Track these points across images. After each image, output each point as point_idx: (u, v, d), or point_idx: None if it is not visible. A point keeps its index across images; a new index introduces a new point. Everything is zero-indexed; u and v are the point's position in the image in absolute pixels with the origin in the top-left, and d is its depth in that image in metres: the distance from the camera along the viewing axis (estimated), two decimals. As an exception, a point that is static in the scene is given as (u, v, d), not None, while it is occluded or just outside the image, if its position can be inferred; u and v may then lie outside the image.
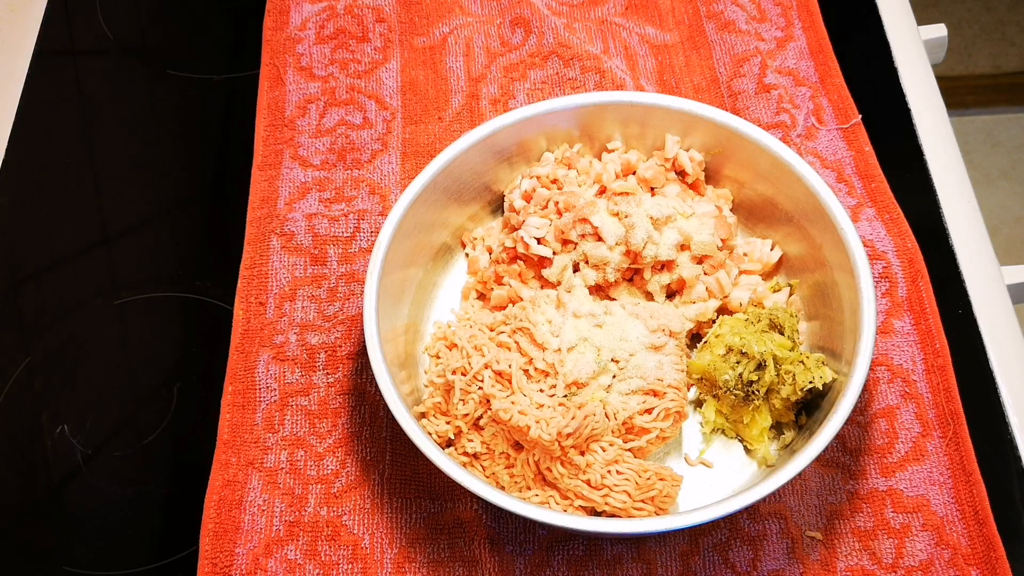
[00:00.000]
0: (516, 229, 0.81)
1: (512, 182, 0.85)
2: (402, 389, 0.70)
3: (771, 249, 0.82)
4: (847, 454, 0.75)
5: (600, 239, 0.78)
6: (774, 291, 0.80)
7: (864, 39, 0.97)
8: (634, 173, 0.83)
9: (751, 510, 0.73)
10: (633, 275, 0.80)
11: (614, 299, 0.79)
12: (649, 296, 0.80)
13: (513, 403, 0.69)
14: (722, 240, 0.80)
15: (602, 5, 1.00)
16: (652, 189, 0.83)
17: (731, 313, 0.79)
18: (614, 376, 0.72)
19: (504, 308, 0.79)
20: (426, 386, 0.77)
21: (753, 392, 0.73)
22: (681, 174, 0.83)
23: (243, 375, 0.78)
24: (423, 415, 0.74)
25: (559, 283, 0.79)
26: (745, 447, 0.75)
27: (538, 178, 0.83)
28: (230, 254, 0.85)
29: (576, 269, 0.79)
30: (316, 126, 0.92)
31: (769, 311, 0.76)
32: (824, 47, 0.94)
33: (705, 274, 0.80)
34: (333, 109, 0.93)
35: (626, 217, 0.78)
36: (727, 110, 0.90)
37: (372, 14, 0.99)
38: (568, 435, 0.68)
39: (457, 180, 0.81)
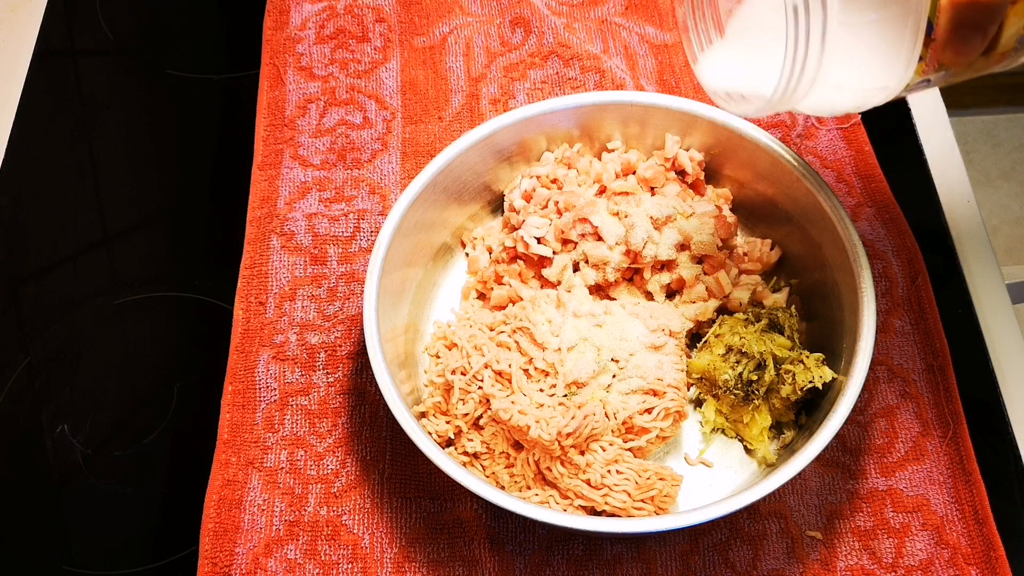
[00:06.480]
0: (516, 229, 0.81)
1: (512, 182, 0.85)
2: (402, 389, 0.70)
3: (771, 249, 0.82)
4: (847, 454, 0.75)
5: (600, 239, 0.78)
6: (774, 291, 0.80)
7: (864, 39, 0.97)
8: (634, 173, 0.83)
9: (751, 510, 0.73)
10: (633, 275, 0.80)
11: (614, 299, 0.79)
12: (649, 296, 0.80)
13: (513, 403, 0.69)
14: (722, 240, 0.80)
15: (602, 5, 1.00)
16: (652, 189, 0.83)
17: (731, 313, 0.79)
18: (614, 376, 0.72)
19: (504, 308, 0.79)
20: (426, 386, 0.77)
21: (753, 392, 0.73)
22: (681, 174, 0.83)
23: (243, 375, 0.78)
24: (423, 415, 0.74)
25: (559, 283, 0.79)
26: (745, 447, 0.75)
27: (538, 178, 0.83)
28: (230, 254, 0.85)
29: (576, 269, 0.79)
30: (316, 126, 0.92)
31: (769, 311, 0.76)
32: (824, 47, 0.94)
33: (705, 274, 0.80)
34: (333, 109, 0.93)
35: (626, 217, 0.78)
36: (727, 110, 0.90)
37: (372, 14, 0.99)
38: (568, 435, 0.68)
39: (457, 180, 0.81)
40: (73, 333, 0.83)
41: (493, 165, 0.83)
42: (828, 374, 0.71)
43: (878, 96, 0.59)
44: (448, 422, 0.72)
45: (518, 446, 0.71)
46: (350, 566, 0.71)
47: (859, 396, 0.67)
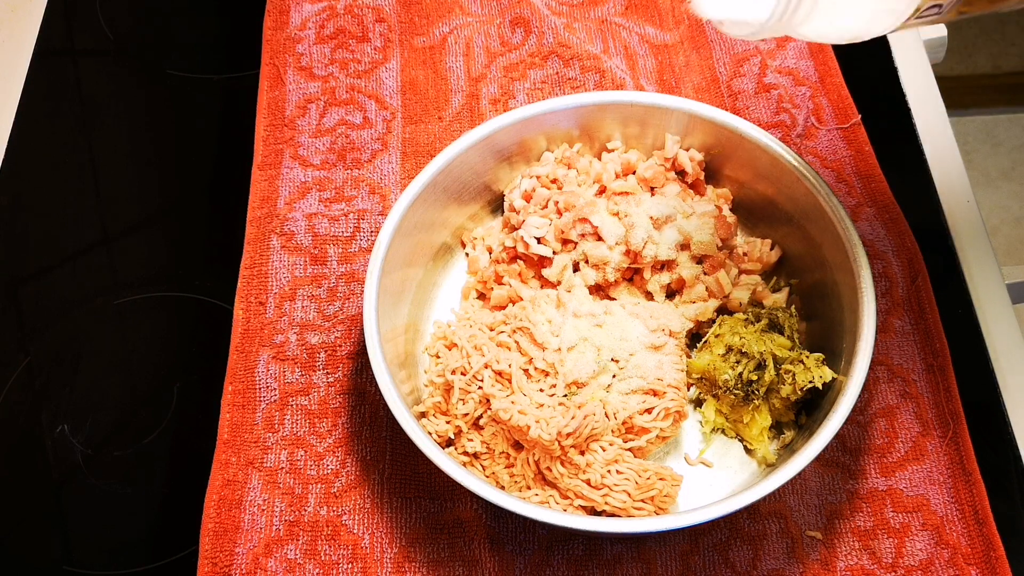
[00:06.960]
0: (516, 229, 0.81)
1: (512, 182, 0.85)
2: (402, 389, 0.70)
3: (771, 249, 0.82)
4: (847, 454, 0.75)
5: (600, 239, 0.78)
6: (774, 291, 0.80)
7: (864, 39, 0.97)
8: (634, 173, 0.83)
9: (751, 510, 0.73)
10: (633, 275, 0.80)
11: (614, 299, 0.79)
12: (649, 296, 0.80)
13: (513, 403, 0.69)
14: (722, 240, 0.80)
15: (602, 5, 1.00)
16: (652, 189, 0.83)
17: (731, 313, 0.79)
18: (614, 376, 0.72)
19: (504, 308, 0.79)
20: (426, 386, 0.77)
21: (753, 392, 0.73)
22: (681, 174, 0.83)
23: (243, 375, 0.78)
24: (423, 415, 0.74)
25: (559, 283, 0.79)
26: (745, 447, 0.75)
27: (538, 178, 0.83)
28: (230, 254, 0.85)
29: (576, 269, 0.79)
30: (316, 126, 0.92)
31: (769, 311, 0.76)
32: (824, 47, 0.94)
33: (705, 274, 0.80)
34: (333, 109, 0.93)
35: (626, 217, 0.78)
36: (727, 110, 0.90)
37: (372, 14, 0.99)
38: (568, 435, 0.68)
39: (457, 180, 0.81)
40: (73, 333, 0.83)
41: (493, 165, 0.83)
42: (828, 374, 0.71)
43: (884, 21, 0.55)
44: (448, 422, 0.72)
45: (518, 446, 0.71)
46: (350, 566, 0.71)
47: (859, 396, 0.67)
